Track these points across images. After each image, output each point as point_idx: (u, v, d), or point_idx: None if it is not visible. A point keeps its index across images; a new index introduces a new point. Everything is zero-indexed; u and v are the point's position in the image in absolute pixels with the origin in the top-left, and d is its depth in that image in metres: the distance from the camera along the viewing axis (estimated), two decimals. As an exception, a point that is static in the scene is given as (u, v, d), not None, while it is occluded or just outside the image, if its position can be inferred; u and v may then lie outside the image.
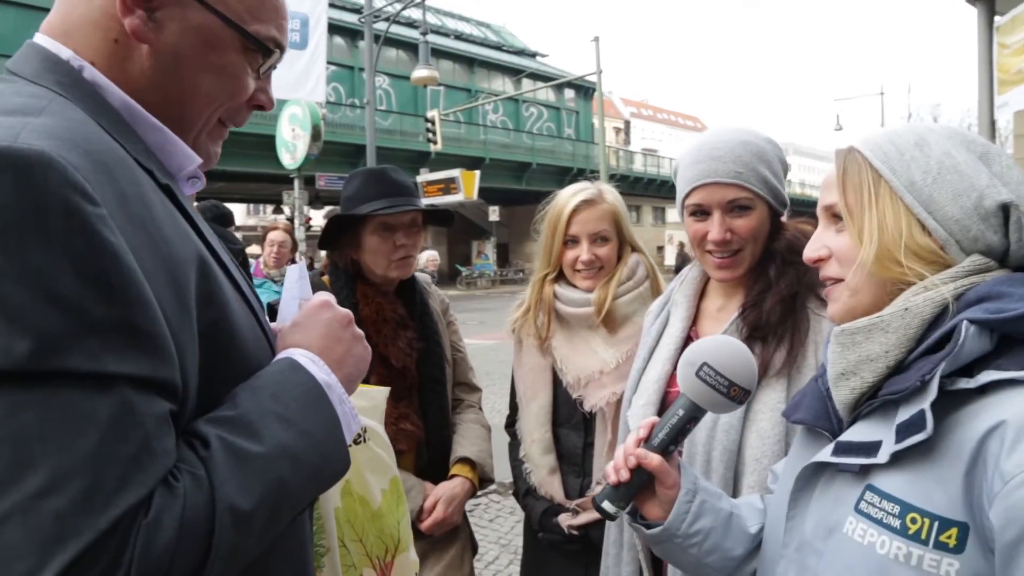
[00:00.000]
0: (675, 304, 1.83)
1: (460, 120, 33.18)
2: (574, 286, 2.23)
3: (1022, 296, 0.92)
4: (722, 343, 1.25)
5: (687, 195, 1.66)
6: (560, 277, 2.28)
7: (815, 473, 1.07)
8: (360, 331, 1.14)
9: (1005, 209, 0.99)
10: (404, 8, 16.35)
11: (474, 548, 2.46)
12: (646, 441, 1.24)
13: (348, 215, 2.18)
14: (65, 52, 0.95)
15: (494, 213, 33.60)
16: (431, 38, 17.62)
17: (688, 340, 1.76)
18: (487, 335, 16.65)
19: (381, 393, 1.68)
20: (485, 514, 5.50)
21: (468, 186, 16.86)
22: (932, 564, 0.89)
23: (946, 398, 0.90)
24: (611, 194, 2.25)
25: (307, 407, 0.96)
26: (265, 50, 1.05)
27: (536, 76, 37.88)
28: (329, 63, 29.68)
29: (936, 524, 0.89)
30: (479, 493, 2.40)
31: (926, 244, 1.01)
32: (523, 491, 2.31)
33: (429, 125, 21.21)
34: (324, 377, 1.01)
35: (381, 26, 16.80)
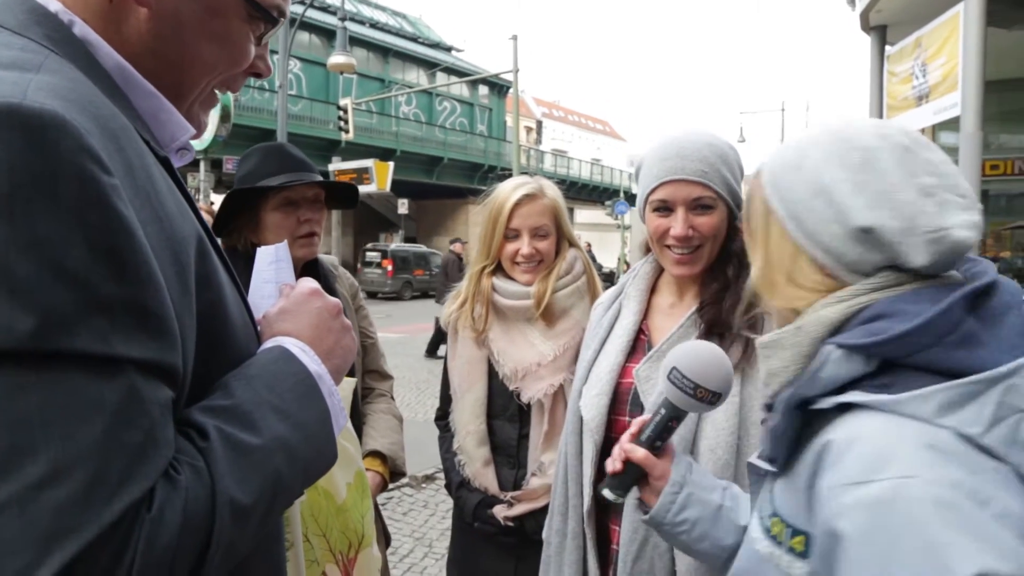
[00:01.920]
0: (627, 297, 1.87)
1: (372, 110, 32.69)
2: (512, 279, 2.27)
3: (916, 314, 0.88)
4: (693, 348, 1.33)
5: (652, 191, 1.70)
6: (498, 270, 2.30)
7: (753, 471, 1.14)
8: (348, 322, 1.11)
9: (866, 231, 0.94)
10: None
11: (387, 541, 2.45)
12: (636, 437, 1.34)
13: (249, 188, 2.09)
14: (53, 4, 0.87)
15: (403, 206, 33.24)
16: (347, 25, 17.30)
17: (640, 333, 1.82)
18: (394, 328, 16.55)
19: (348, 384, 1.67)
20: (398, 507, 5.50)
21: (381, 177, 16.66)
22: (787, 565, 0.95)
23: (816, 416, 0.93)
24: (551, 189, 2.30)
25: (301, 398, 0.92)
26: (269, 17, 1.01)
27: (451, 70, 37.72)
28: (238, 42, 28.70)
29: (789, 530, 0.95)
30: (391, 486, 2.38)
31: (811, 275, 1.01)
32: (456, 483, 2.32)
33: (341, 113, 20.82)
34: (316, 368, 0.97)
35: (296, 9, 16.39)
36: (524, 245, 2.21)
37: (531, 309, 2.20)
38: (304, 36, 31.09)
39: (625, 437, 1.36)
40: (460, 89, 39.45)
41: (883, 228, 0.93)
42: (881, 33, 17.89)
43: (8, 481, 0.63)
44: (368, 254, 27.71)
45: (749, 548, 1.05)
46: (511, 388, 2.21)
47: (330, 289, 2.25)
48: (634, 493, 1.39)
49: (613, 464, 1.35)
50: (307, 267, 2.24)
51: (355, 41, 33.15)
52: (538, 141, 67.49)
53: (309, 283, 1.11)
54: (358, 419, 2.25)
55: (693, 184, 1.65)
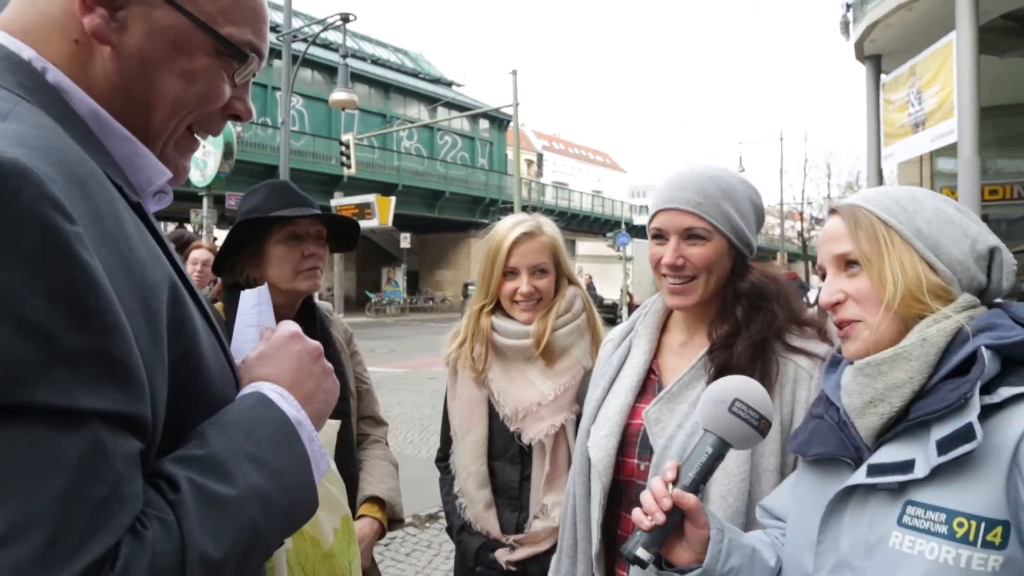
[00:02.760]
0: (638, 335, 1.84)
1: (374, 145, 32.96)
2: (511, 317, 2.25)
3: (1012, 326, 1.10)
4: (745, 381, 1.33)
5: (651, 219, 1.72)
6: (497, 308, 2.28)
7: (843, 498, 1.17)
8: (329, 365, 1.08)
9: (992, 252, 1.18)
10: (324, 30, 16.23)
11: None
12: (674, 483, 1.26)
13: (257, 219, 2.09)
14: (27, 52, 0.86)
15: (405, 240, 33.39)
16: (348, 61, 17.51)
17: (650, 373, 1.79)
18: (396, 363, 16.48)
19: (332, 427, 1.64)
20: (401, 548, 5.42)
21: (383, 212, 16.77)
22: (980, 563, 1.01)
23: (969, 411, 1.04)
24: (549, 227, 2.29)
25: (278, 446, 0.89)
26: (239, 54, 0.97)
27: (452, 105, 38.09)
28: (241, 81, 29.07)
29: (983, 525, 1.01)
30: (388, 534, 2.33)
31: (937, 282, 1.17)
32: (458, 527, 2.28)
33: (343, 149, 21.00)
34: (295, 414, 0.94)
35: (299, 47, 16.62)
36: (523, 283, 2.20)
37: (531, 348, 2.18)
38: (307, 73, 31.49)
39: (659, 485, 1.26)
40: (461, 123, 39.81)
41: (1003, 252, 1.19)
42: (876, 62, 18.10)
43: None
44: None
45: (907, 565, 1.07)
46: (512, 429, 2.18)
47: (325, 332, 2.24)
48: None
49: (652, 517, 1.23)
50: (304, 308, 2.23)
51: (357, 77, 33.57)
52: (539, 174, 67.90)
53: (289, 326, 1.08)
54: (347, 462, 2.20)
55: (685, 214, 1.65)
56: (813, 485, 1.27)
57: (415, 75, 41.09)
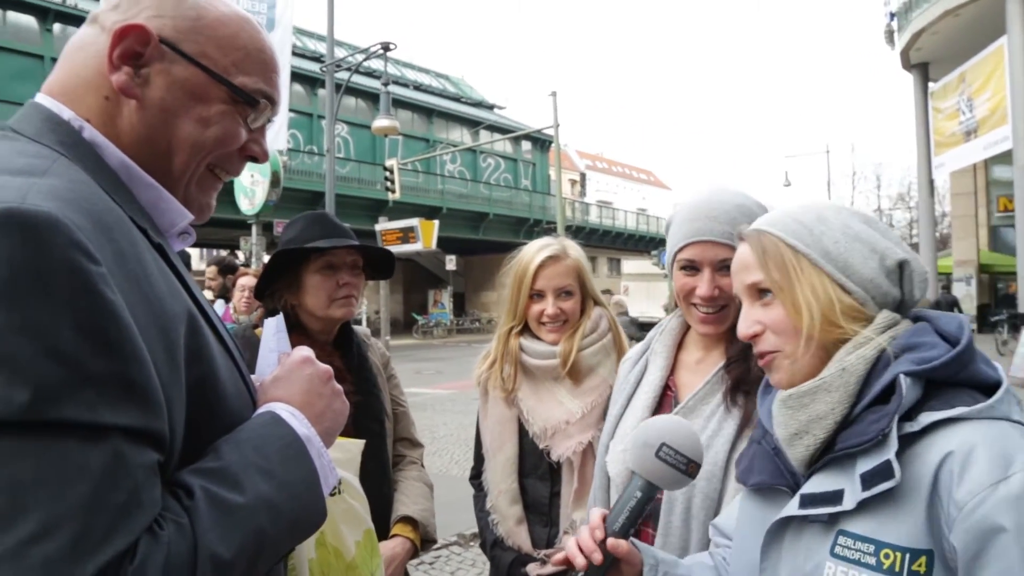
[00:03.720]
0: (654, 353, 1.88)
1: (418, 169, 33.39)
2: (539, 339, 2.30)
3: (933, 344, 1.07)
4: (672, 422, 1.32)
5: (680, 249, 1.72)
6: (525, 330, 2.34)
7: (781, 527, 1.15)
8: (339, 387, 1.16)
9: (901, 266, 1.15)
10: (366, 59, 16.54)
11: None
12: (606, 527, 1.27)
13: (294, 249, 2.17)
14: (66, 112, 0.99)
15: (451, 262, 33.65)
16: (391, 88, 17.81)
17: (666, 389, 1.83)
18: (444, 384, 16.54)
19: (356, 445, 1.70)
20: (446, 566, 5.44)
21: (427, 235, 16.95)
22: None
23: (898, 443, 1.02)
24: (574, 250, 2.34)
25: (287, 460, 0.97)
26: (251, 100, 1.07)
27: (494, 128, 38.45)
28: (289, 110, 29.89)
29: (907, 556, 0.99)
30: (422, 552, 2.33)
31: (851, 304, 1.14)
32: (490, 542, 2.32)
33: (387, 174, 21.31)
34: (304, 431, 1.02)
35: (342, 75, 16.97)
36: (549, 305, 2.25)
37: (558, 368, 2.22)
38: (351, 101, 32.13)
39: (595, 530, 1.27)
40: (503, 145, 40.14)
41: (912, 263, 1.15)
42: (923, 71, 17.75)
43: (4, 537, 0.70)
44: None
45: None
46: (541, 446, 2.22)
47: (362, 356, 2.32)
48: None
49: (590, 556, 1.25)
50: (341, 333, 2.29)
51: (400, 103, 34.13)
52: (582, 193, 67.99)
53: (302, 351, 1.16)
54: (381, 482, 2.24)
55: (720, 246, 1.66)
56: (754, 512, 1.26)
57: (457, 99, 41.61)
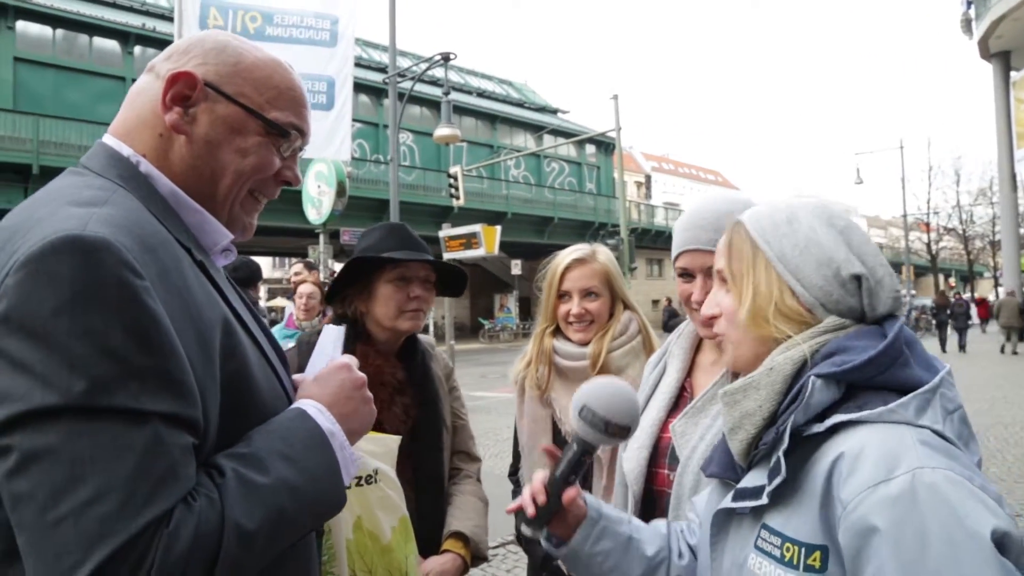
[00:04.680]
0: (671, 356, 1.94)
1: (483, 175, 33.68)
2: (570, 340, 2.37)
3: (863, 348, 1.08)
4: (602, 385, 1.38)
5: (676, 258, 1.82)
6: (559, 331, 2.41)
7: (727, 519, 1.21)
8: (369, 394, 1.28)
9: (858, 279, 1.16)
10: (428, 69, 16.77)
11: None
12: (552, 475, 1.36)
13: (368, 257, 2.20)
14: (126, 150, 1.18)
15: (516, 267, 33.79)
16: (455, 96, 17.98)
17: (682, 390, 1.88)
18: (509, 388, 16.60)
19: (394, 440, 1.80)
20: (503, 564, 5.51)
21: (489, 241, 17.03)
22: None
23: (805, 441, 1.07)
24: (604, 255, 2.41)
25: (309, 449, 1.11)
26: (283, 132, 1.23)
27: (557, 132, 38.48)
28: (354, 120, 30.41)
29: (803, 550, 1.03)
30: (472, 567, 2.28)
31: (794, 307, 1.17)
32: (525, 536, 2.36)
33: (452, 181, 21.53)
34: (328, 426, 1.16)
35: (406, 85, 17.26)
36: (574, 305, 2.34)
37: (587, 369, 2.27)
38: (416, 110, 32.65)
39: (539, 476, 1.38)
40: (567, 149, 40.14)
41: (868, 278, 1.16)
42: (1004, 59, 16.99)
43: (67, 500, 0.86)
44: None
45: None
46: None
47: (426, 368, 2.33)
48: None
49: (536, 499, 1.35)
50: (407, 345, 2.31)
51: (463, 111, 34.48)
52: (648, 195, 67.35)
53: (343, 359, 1.30)
54: (436, 495, 2.25)
55: (707, 253, 1.70)
56: (712, 501, 1.31)
57: (520, 105, 41.84)
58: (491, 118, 37.62)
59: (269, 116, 1.22)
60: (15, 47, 23.82)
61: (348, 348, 2.12)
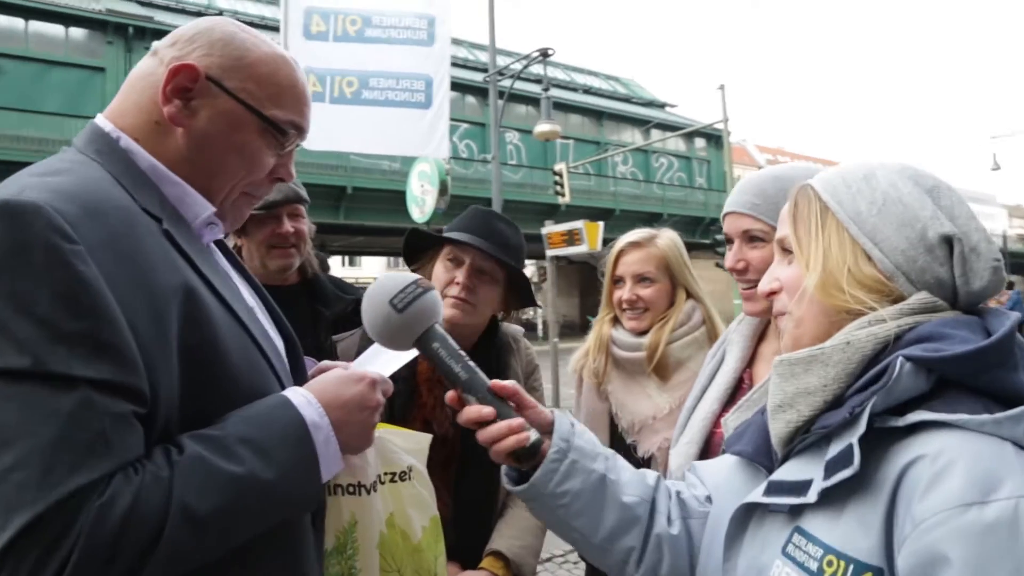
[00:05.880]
0: (730, 343, 1.80)
1: (590, 172, 33.40)
2: (632, 331, 2.25)
3: (964, 339, 0.90)
4: (375, 288, 1.24)
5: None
6: (618, 320, 2.31)
7: (747, 513, 1.02)
8: (373, 422, 1.23)
9: (949, 242, 0.98)
10: (526, 67, 16.78)
11: None
12: (459, 393, 1.21)
13: (421, 231, 2.12)
14: (108, 126, 1.18)
15: (624, 264, 33.34)
16: (560, 93, 17.93)
17: (740, 382, 1.72)
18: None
19: (425, 438, 1.73)
20: (562, 566, 5.38)
21: (592, 237, 16.85)
22: None
23: (876, 436, 0.88)
24: (665, 240, 2.28)
25: (285, 440, 1.07)
26: (280, 131, 1.22)
27: (664, 126, 37.72)
28: (462, 121, 31.03)
29: (851, 568, 0.85)
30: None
31: (871, 274, 0.99)
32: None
33: (557, 178, 21.47)
34: (315, 418, 1.11)
35: (508, 83, 17.35)
36: (626, 291, 2.23)
37: (644, 361, 2.16)
38: (521, 109, 32.74)
39: (474, 412, 1.19)
40: (676, 144, 39.29)
41: (961, 242, 0.97)
42: None
43: None
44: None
45: None
46: (628, 441, 2.16)
47: (504, 364, 2.15)
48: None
49: (481, 417, 1.17)
50: (484, 338, 2.15)
51: (570, 108, 34.36)
52: (763, 188, 65.08)
53: (369, 374, 1.24)
54: (490, 509, 2.09)
55: (742, 216, 1.61)
56: (736, 485, 1.12)
57: (627, 100, 41.30)
58: (597, 114, 37.27)
59: (268, 114, 1.20)
60: None
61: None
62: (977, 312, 0.99)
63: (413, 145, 10.36)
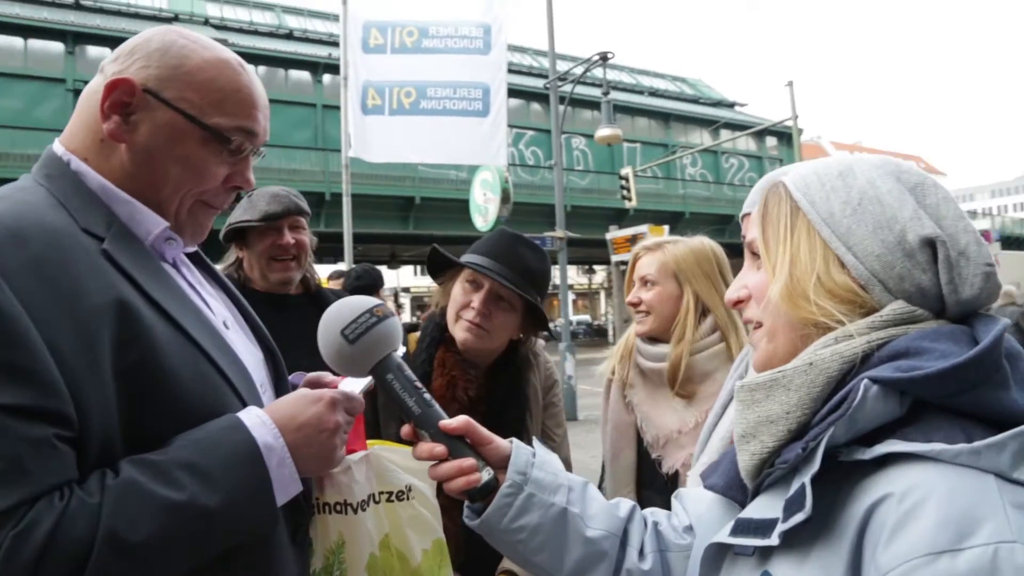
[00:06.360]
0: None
1: (657, 175, 32.99)
2: (657, 340, 2.17)
3: (944, 353, 0.78)
4: (329, 316, 1.20)
5: None
6: None
7: (719, 553, 0.91)
8: (335, 441, 1.18)
9: (932, 245, 0.86)
10: (586, 72, 16.68)
11: None
12: (414, 426, 1.16)
13: (440, 253, 2.05)
14: (60, 150, 1.18)
15: (695, 267, 32.77)
16: (626, 96, 17.75)
17: None
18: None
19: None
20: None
21: (659, 241, 16.75)
22: None
23: (841, 470, 0.77)
24: (680, 246, 2.17)
25: (232, 464, 1.03)
26: (222, 138, 1.18)
27: (733, 126, 36.97)
28: (527, 128, 31.04)
29: None
30: None
31: (843, 282, 0.88)
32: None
33: (623, 182, 21.26)
34: (268, 440, 1.08)
35: (569, 88, 17.29)
36: (631, 294, 2.20)
37: (666, 373, 2.09)
38: (587, 114, 32.59)
39: (425, 451, 1.15)
40: (746, 143, 38.47)
41: (946, 246, 0.86)
42: None
43: None
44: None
45: None
46: (653, 456, 2.08)
47: (516, 385, 2.08)
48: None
49: (432, 455, 1.14)
50: (503, 356, 2.08)
51: (635, 111, 34.06)
52: (839, 186, 63.10)
53: (330, 394, 1.20)
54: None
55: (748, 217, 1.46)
56: (715, 518, 1.01)
57: (695, 101, 40.69)
58: (664, 116, 36.80)
59: (210, 122, 1.17)
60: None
61: (429, 353, 2.02)
62: (965, 317, 0.87)
63: (471, 153, 10.39)
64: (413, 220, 26.55)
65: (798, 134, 23.52)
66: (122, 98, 1.14)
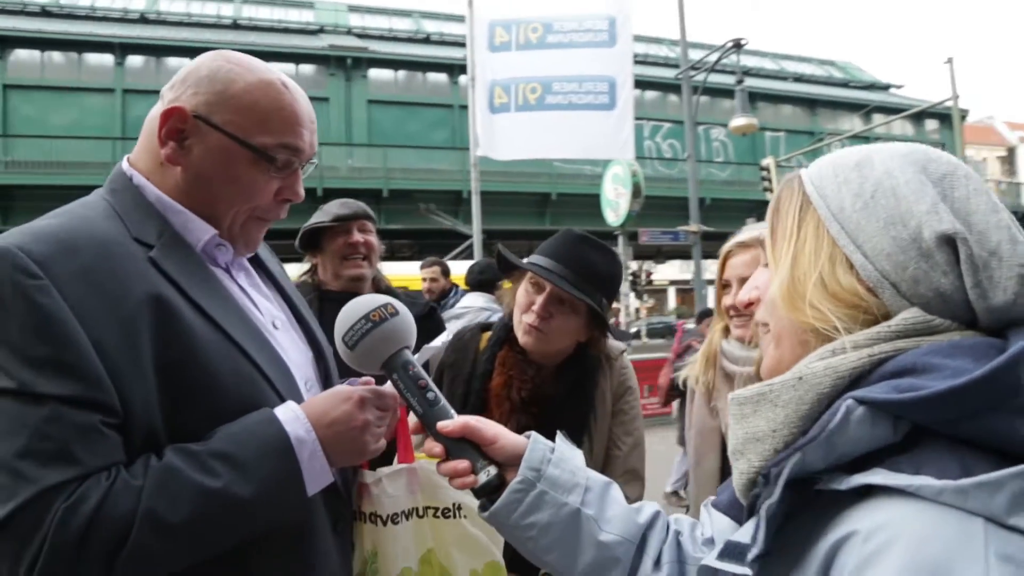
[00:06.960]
0: None
1: (804, 164, 31.45)
2: (740, 341, 2.05)
3: (958, 371, 0.67)
4: (340, 321, 1.23)
5: None
6: (729, 330, 2.11)
7: (710, 575, 0.84)
8: (364, 437, 1.23)
9: (952, 243, 0.75)
10: (720, 60, 16.12)
11: None
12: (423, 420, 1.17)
13: (506, 258, 2.03)
14: (126, 167, 1.30)
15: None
16: (769, 84, 17.05)
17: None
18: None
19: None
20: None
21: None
22: None
23: (823, 499, 0.71)
24: None
25: (264, 455, 1.11)
26: (268, 157, 1.26)
27: (886, 109, 34.64)
28: (664, 120, 30.47)
29: None
30: None
31: (848, 284, 0.79)
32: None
33: (764, 173, 20.46)
34: (300, 433, 1.15)
35: (711, 78, 16.82)
36: (731, 296, 2.04)
37: (754, 377, 1.91)
38: (726, 103, 31.53)
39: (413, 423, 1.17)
40: (903, 127, 35.94)
41: (972, 241, 0.75)
42: None
43: None
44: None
45: None
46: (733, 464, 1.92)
47: (583, 387, 2.05)
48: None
49: (431, 454, 1.15)
50: (570, 358, 2.05)
51: (779, 98, 32.71)
52: (1010, 172, 57.78)
53: (354, 390, 1.25)
54: None
55: None
56: (727, 536, 0.89)
57: (844, 85, 38.49)
58: (810, 103, 35.01)
59: (256, 142, 1.24)
60: (368, 91, 27.67)
61: (492, 351, 2.04)
62: (1000, 328, 0.75)
63: (597, 148, 10.28)
64: (550, 216, 26.66)
65: (959, 115, 21.72)
66: (177, 125, 1.23)
